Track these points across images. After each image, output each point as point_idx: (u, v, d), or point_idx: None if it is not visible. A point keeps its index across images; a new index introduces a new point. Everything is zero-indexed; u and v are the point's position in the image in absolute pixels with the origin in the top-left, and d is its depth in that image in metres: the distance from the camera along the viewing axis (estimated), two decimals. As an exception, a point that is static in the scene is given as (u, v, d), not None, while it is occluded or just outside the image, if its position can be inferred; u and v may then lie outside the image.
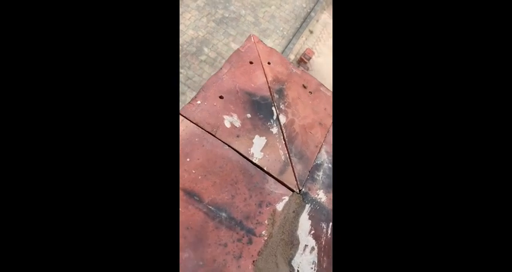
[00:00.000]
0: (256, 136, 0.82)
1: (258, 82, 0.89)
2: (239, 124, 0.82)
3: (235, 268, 0.69)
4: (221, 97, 0.83)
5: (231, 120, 0.82)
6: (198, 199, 0.71)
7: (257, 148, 0.80)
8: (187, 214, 0.69)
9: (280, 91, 0.90)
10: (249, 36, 0.95)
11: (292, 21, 6.18)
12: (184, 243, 0.68)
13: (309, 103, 0.92)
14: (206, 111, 0.81)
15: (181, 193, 0.70)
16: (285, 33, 5.91)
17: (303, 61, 5.81)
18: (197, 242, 0.68)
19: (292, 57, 5.91)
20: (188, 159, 0.74)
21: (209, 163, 0.75)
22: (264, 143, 0.81)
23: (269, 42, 5.51)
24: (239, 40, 5.20)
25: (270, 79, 0.90)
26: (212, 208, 0.72)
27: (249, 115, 0.84)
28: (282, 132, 0.85)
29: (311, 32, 6.06)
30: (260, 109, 0.85)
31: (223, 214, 0.72)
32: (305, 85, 0.94)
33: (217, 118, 0.81)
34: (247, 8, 5.66)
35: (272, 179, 0.78)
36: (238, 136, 0.80)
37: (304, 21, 6.10)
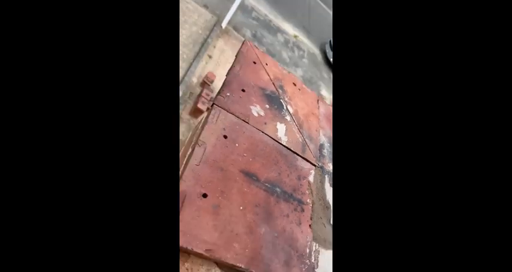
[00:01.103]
0: (278, 123, 0.93)
1: (264, 79, 1.01)
2: (263, 113, 0.91)
3: (300, 233, 0.76)
4: (243, 90, 0.91)
5: (256, 110, 0.90)
6: (255, 178, 0.76)
7: (281, 132, 0.92)
8: (252, 193, 0.72)
9: (282, 87, 1.05)
10: (245, 41, 1.07)
11: (190, 45, 6.36)
12: (258, 219, 0.70)
13: (301, 98, 1.11)
14: (236, 102, 0.86)
15: (241, 175, 0.73)
16: (185, 56, 6.01)
17: (206, 84, 6.02)
18: (267, 217, 0.72)
19: (195, 80, 6.04)
20: (237, 144, 0.78)
21: (253, 147, 0.81)
22: (284, 128, 0.94)
23: (171, 64, 5.44)
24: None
25: (271, 77, 1.04)
26: (268, 185, 0.77)
27: (267, 106, 0.94)
28: (294, 119, 1.00)
29: (210, 56, 6.43)
30: (272, 101, 0.98)
31: (278, 189, 0.79)
32: (294, 83, 1.13)
33: (245, 108, 0.88)
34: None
35: (299, 157, 0.91)
36: (265, 124, 0.89)
37: (203, 46, 6.42)
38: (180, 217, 0.59)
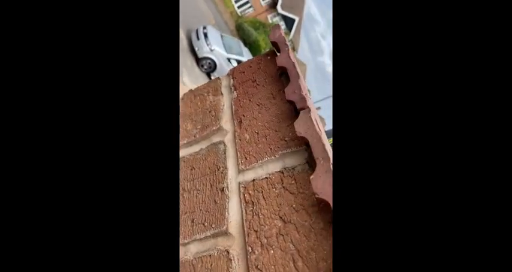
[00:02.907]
0: None
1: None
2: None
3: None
4: (308, 90, 0.74)
5: (314, 117, 0.76)
6: None
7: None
8: None
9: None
10: (278, 26, 0.88)
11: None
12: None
13: None
14: (312, 106, 0.69)
15: None
16: None
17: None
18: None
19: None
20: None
21: None
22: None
23: None
24: None
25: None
26: None
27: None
28: None
29: None
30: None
31: None
32: (305, 87, 1.06)
33: (315, 113, 0.72)
34: None
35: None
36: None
37: None
38: None
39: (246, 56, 8.71)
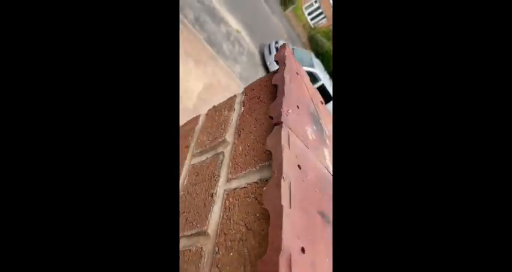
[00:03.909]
0: (324, 148, 0.84)
1: (306, 95, 0.90)
2: (314, 136, 0.80)
3: None
4: (298, 107, 0.77)
5: (310, 132, 0.78)
6: (327, 219, 0.64)
7: (329, 160, 0.83)
8: (330, 238, 0.61)
9: (317, 106, 0.96)
10: (285, 45, 0.93)
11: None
12: None
13: (327, 119, 1.04)
14: (296, 122, 0.72)
15: (319, 217, 0.61)
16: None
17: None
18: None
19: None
20: (308, 177, 0.64)
21: (319, 179, 0.69)
22: (328, 154, 0.85)
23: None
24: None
25: (310, 92, 0.94)
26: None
27: (314, 128, 0.84)
28: (331, 144, 0.92)
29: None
30: (316, 122, 0.87)
31: None
32: (322, 101, 1.06)
33: (303, 129, 0.74)
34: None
35: (343, 188, 0.84)
36: (318, 149, 0.78)
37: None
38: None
39: (317, 67, 8.64)
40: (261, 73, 8.31)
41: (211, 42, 7.14)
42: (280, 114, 0.67)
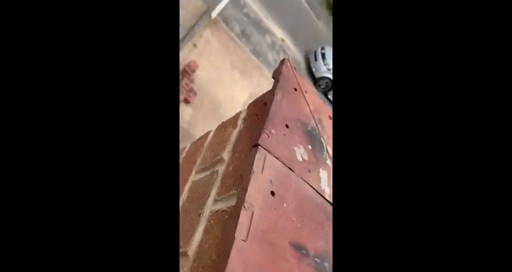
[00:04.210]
0: (320, 170, 0.77)
1: (305, 111, 0.85)
2: (306, 157, 0.74)
3: None
4: (287, 126, 0.73)
5: (300, 153, 0.73)
6: (305, 252, 0.59)
7: (324, 183, 0.76)
8: None
9: (320, 122, 0.89)
10: (284, 60, 0.89)
11: (174, 29, 5.93)
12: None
13: None
14: (281, 143, 0.68)
15: (291, 249, 0.56)
16: (167, 40, 5.57)
17: (187, 73, 5.65)
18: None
19: (175, 67, 5.63)
20: (285, 204, 0.60)
21: (301, 207, 0.64)
22: (327, 177, 0.78)
23: (151, 47, 5.04)
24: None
25: (312, 108, 0.88)
26: (318, 260, 0.61)
27: (309, 147, 0.78)
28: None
29: (195, 45, 6.03)
30: (314, 140, 0.81)
31: (326, 264, 0.63)
32: (330, 116, 0.98)
33: (290, 150, 0.70)
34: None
35: (342, 215, 0.76)
36: (309, 171, 0.73)
37: (188, 34, 5.99)
38: None
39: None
40: (306, 80, 8.17)
41: (256, 53, 7.33)
42: (258, 136, 0.64)
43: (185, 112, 5.93)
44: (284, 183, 0.63)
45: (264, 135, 0.66)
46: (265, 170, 0.59)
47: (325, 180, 0.76)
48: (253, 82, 6.96)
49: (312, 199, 0.68)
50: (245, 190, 0.54)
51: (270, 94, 0.77)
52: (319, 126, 0.86)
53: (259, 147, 0.62)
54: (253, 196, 0.54)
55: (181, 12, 5.93)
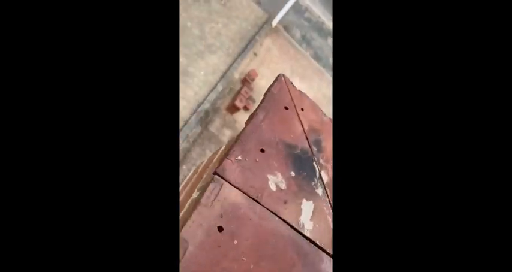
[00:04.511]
0: (304, 201, 0.68)
1: (296, 132, 0.76)
2: (284, 185, 0.67)
3: None
4: (262, 150, 0.67)
5: (275, 181, 0.66)
6: None
7: (306, 216, 0.66)
8: None
9: (318, 143, 0.79)
10: (279, 76, 0.83)
11: (237, 41, 6.25)
12: None
13: None
14: (248, 170, 0.63)
15: None
16: (230, 51, 5.90)
17: (247, 81, 5.86)
18: None
19: (236, 76, 5.94)
20: (236, 241, 0.54)
21: (260, 244, 0.57)
22: (311, 209, 0.68)
23: (215, 58, 5.40)
24: (183, 52, 4.91)
25: (306, 128, 0.79)
26: None
27: (292, 174, 0.69)
28: (327, 193, 0.73)
29: (255, 54, 6.23)
30: (302, 165, 0.72)
31: None
32: (337, 136, 0.86)
33: (261, 178, 0.64)
34: (194, 21, 5.47)
35: (326, 256, 0.65)
36: (285, 203, 0.65)
37: (249, 43, 6.23)
38: None
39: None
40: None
41: (317, 57, 7.08)
42: (220, 163, 0.60)
43: (245, 119, 6.13)
44: (241, 216, 0.57)
45: (227, 162, 0.61)
46: (216, 202, 0.55)
47: (307, 213, 0.67)
48: (314, 87, 6.74)
49: (281, 236, 0.60)
50: (183, 224, 0.51)
51: (252, 114, 0.72)
52: (313, 148, 0.77)
53: (215, 176, 0.58)
54: (191, 232, 0.51)
55: (244, 24, 6.20)
